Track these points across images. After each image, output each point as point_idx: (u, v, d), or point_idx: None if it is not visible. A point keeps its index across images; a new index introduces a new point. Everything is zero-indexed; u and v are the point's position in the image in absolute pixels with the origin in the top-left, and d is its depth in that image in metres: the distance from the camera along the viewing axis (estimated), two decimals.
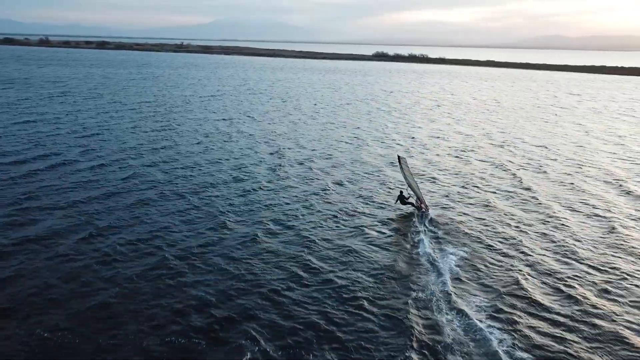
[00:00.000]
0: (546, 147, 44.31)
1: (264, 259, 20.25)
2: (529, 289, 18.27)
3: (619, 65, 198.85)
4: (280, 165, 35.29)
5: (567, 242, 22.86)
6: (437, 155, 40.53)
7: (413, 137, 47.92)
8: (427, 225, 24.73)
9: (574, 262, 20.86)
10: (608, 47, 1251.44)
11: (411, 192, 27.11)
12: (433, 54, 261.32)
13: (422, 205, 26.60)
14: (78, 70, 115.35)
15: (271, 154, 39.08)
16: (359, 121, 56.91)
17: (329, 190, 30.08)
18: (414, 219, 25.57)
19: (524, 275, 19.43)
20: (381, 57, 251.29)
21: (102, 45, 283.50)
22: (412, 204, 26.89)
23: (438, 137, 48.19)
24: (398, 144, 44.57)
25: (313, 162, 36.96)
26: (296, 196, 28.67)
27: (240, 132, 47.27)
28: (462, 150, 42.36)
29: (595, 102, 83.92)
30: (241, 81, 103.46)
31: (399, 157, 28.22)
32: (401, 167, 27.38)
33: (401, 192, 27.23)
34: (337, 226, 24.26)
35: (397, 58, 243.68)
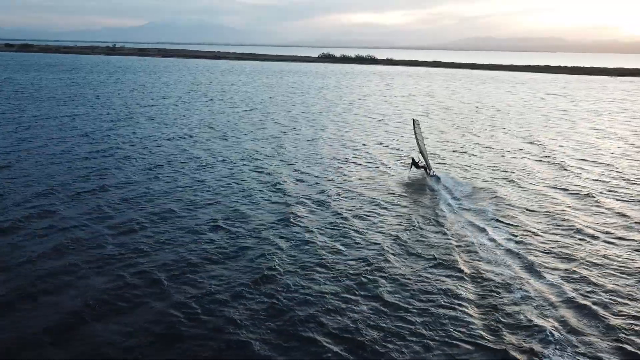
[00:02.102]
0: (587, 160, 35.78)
1: None
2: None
3: (562, 65, 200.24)
4: (290, 212, 23.31)
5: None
6: (479, 175, 30.77)
7: (436, 154, 38.02)
8: (437, 182, 29.33)
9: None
10: (535, 49, 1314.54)
11: (421, 157, 31.27)
12: (375, 55, 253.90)
13: (428, 171, 30.88)
14: None
15: (267, 187, 27.65)
16: (353, 133, 46.37)
17: (385, 262, 19.29)
18: (427, 184, 29.36)
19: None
20: (327, 58, 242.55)
21: (25, 48, 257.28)
22: (423, 167, 31.16)
23: (464, 152, 38.57)
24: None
25: (332, 199, 25.88)
26: (349, 275, 17.63)
27: (213, 155, 35.36)
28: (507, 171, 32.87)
29: (584, 102, 78.05)
30: (190, 86, 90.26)
31: (413, 120, 32.40)
32: (415, 130, 31.48)
33: (413, 158, 31.39)
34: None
35: (344, 60, 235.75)
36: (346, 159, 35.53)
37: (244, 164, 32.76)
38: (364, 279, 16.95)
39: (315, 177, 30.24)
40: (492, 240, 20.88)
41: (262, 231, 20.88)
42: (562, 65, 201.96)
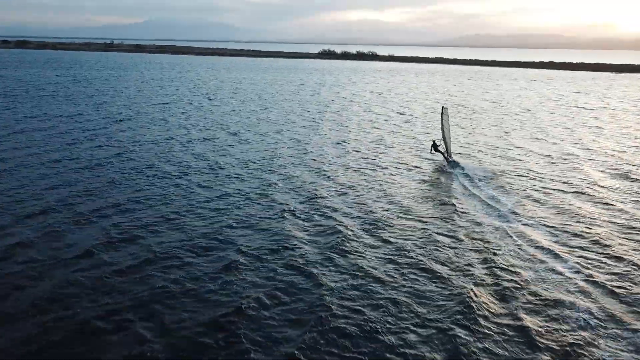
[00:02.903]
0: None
1: None
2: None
3: (567, 62, 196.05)
4: (337, 240, 19.17)
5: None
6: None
7: (475, 156, 34.20)
8: (455, 168, 30.67)
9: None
10: (534, 45, 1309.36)
11: (442, 143, 32.52)
12: (379, 52, 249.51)
13: (447, 157, 32.07)
14: None
15: (303, 203, 23.71)
16: (379, 135, 42.51)
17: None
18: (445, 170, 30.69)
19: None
20: (328, 55, 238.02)
21: (22, 44, 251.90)
22: (441, 152, 32.27)
23: (506, 157, 34.74)
24: (467, 173, 30.48)
25: (379, 218, 21.95)
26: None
27: (234, 162, 31.24)
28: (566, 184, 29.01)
29: (609, 99, 74.23)
30: (195, 83, 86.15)
31: (442, 107, 34.03)
32: (442, 117, 33.20)
33: (434, 141, 32.61)
34: None
35: (345, 56, 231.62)
36: (380, 165, 31.67)
37: (270, 172, 28.89)
38: (453, 342, 13.11)
39: (351, 187, 26.39)
40: (591, 281, 16.95)
41: (308, 266, 16.95)
42: (568, 61, 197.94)
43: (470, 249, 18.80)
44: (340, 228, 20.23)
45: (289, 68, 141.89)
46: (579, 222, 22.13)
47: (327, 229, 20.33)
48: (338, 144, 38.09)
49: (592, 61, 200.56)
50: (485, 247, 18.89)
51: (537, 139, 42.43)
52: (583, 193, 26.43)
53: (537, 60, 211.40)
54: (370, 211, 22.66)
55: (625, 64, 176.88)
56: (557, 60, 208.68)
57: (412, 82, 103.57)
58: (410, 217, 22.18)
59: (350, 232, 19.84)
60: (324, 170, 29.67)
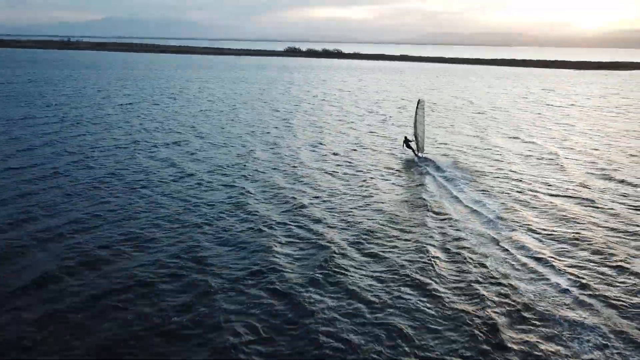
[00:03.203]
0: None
1: None
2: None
3: (531, 59, 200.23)
4: (326, 260, 17.72)
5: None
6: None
7: (454, 156, 33.00)
8: (423, 162, 31.08)
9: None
10: (496, 43, 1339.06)
11: (414, 138, 32.39)
12: (344, 50, 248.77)
13: (416, 152, 32.14)
14: None
15: (287, 215, 21.84)
16: (353, 137, 40.92)
17: None
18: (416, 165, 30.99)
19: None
20: (294, 52, 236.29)
21: None
22: (412, 148, 32.21)
23: (487, 157, 33.70)
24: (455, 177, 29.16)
25: (366, 231, 20.35)
26: None
27: (204, 169, 28.87)
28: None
29: (576, 96, 74.93)
30: (161, 82, 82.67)
31: (419, 100, 33.12)
32: (417, 110, 32.44)
33: (405, 137, 32.91)
34: None
35: (311, 54, 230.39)
36: (359, 169, 30.02)
37: (244, 179, 26.87)
38: None
39: (332, 194, 24.65)
40: (591, 295, 15.76)
41: (292, 290, 15.13)
42: (531, 59, 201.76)
43: (461, 262, 17.35)
44: (324, 243, 18.52)
45: (255, 66, 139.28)
46: (570, 227, 21.09)
47: (310, 244, 18.58)
48: (314, 146, 36.33)
49: (554, 58, 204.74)
50: (477, 260, 17.50)
51: (514, 137, 41.75)
52: (569, 196, 25.46)
53: (501, 57, 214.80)
54: (354, 222, 21.04)
55: (585, 61, 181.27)
56: (519, 57, 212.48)
57: (382, 80, 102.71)
58: (396, 227, 20.64)
59: (335, 248, 18.14)
60: (302, 176, 27.87)
